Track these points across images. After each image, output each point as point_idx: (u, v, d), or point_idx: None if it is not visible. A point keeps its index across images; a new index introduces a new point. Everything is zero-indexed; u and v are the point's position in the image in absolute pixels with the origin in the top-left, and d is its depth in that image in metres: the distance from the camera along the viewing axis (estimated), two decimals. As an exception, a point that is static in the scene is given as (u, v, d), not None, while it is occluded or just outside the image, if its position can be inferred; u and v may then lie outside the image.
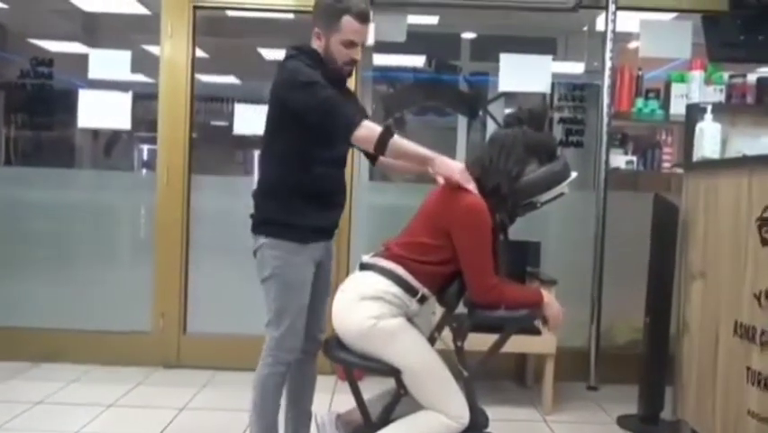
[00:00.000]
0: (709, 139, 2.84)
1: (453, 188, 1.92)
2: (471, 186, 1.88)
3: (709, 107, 2.88)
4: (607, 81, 3.47)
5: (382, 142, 1.93)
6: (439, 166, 1.92)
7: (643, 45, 3.59)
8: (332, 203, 2.25)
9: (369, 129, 1.95)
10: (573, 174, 1.96)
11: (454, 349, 2.00)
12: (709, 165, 2.81)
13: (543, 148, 1.97)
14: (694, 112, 2.97)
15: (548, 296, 1.99)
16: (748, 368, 2.43)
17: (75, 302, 3.77)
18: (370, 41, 3.40)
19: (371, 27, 2.14)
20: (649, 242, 3.03)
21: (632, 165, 3.51)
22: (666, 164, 3.54)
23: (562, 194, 1.96)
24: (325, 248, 2.30)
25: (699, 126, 2.89)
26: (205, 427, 2.94)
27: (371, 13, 2.10)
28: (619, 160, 3.51)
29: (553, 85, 3.70)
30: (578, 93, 3.65)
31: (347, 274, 3.59)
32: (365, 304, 1.88)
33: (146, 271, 3.71)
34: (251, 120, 3.68)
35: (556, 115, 3.69)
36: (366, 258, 2.04)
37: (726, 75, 3.44)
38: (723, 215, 2.65)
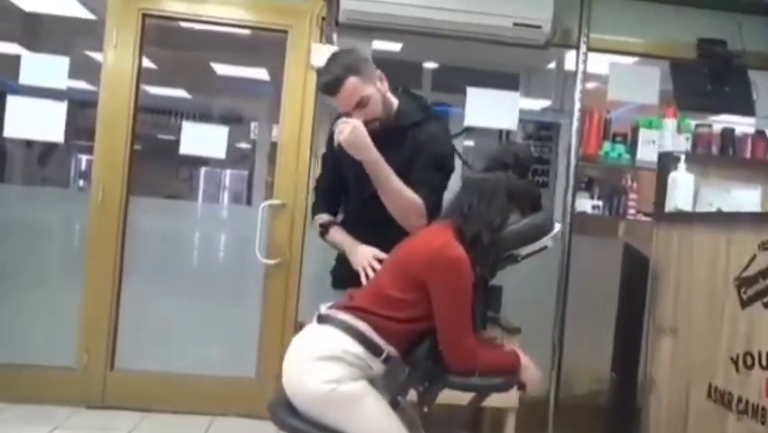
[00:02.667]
0: (683, 189, 2.74)
1: (433, 237, 1.73)
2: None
3: (683, 157, 2.79)
4: (575, 123, 3.37)
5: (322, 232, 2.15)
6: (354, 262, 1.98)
7: (611, 88, 3.51)
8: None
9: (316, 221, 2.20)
10: (558, 227, 1.81)
11: (419, 414, 1.79)
12: (683, 217, 2.71)
13: (527, 197, 1.80)
14: (667, 160, 2.87)
15: (525, 359, 1.81)
16: (723, 436, 2.31)
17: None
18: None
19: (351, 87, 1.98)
20: (612, 287, 2.93)
21: (598, 210, 3.41)
22: (631, 210, 3.45)
23: (545, 247, 1.79)
24: None
25: (671, 176, 2.79)
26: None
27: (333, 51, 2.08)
28: (585, 204, 3.41)
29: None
30: (544, 132, 3.55)
31: (296, 312, 3.38)
32: (322, 365, 1.65)
33: (74, 299, 3.35)
34: (199, 139, 3.39)
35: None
36: (324, 309, 1.82)
37: (692, 123, 3.39)
38: (697, 270, 2.54)
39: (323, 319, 1.75)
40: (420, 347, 1.73)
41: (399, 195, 1.93)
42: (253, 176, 7.26)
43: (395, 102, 2.06)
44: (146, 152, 5.78)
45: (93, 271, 3.33)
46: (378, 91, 1.98)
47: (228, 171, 9.02)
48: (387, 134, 2.00)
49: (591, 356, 3.37)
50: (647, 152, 3.40)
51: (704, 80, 3.49)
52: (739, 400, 2.25)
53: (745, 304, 2.26)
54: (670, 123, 3.07)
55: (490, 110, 3.44)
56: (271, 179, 3.54)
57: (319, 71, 2.03)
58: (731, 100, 3.49)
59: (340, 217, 2.20)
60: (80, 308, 3.32)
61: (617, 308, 2.89)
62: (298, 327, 3.33)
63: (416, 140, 2.00)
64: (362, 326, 1.68)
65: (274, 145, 3.80)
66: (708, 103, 3.51)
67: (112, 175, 3.33)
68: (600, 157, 3.44)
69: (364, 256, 1.92)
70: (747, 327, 2.24)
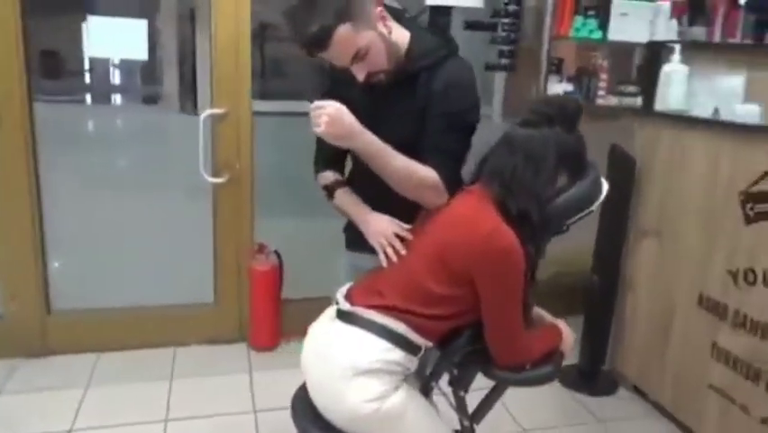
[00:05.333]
0: (677, 86, 2.56)
1: (474, 218, 1.46)
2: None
3: (678, 48, 2.56)
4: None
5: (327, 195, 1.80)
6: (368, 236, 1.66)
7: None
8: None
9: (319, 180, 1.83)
10: (606, 186, 1.57)
11: (455, 400, 1.65)
12: (678, 118, 2.55)
13: (576, 157, 1.53)
14: (658, 51, 2.65)
15: (563, 328, 1.67)
16: (714, 344, 2.37)
17: None
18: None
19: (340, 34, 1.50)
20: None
21: (570, 95, 3.17)
22: (601, 92, 3.24)
23: (590, 212, 1.57)
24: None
25: (665, 70, 2.58)
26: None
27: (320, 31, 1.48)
28: (557, 88, 3.15)
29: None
30: (513, 8, 3.14)
31: (252, 232, 3.04)
32: (361, 382, 1.42)
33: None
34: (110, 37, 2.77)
35: (489, 36, 3.18)
36: (344, 301, 1.55)
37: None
38: (692, 177, 2.44)
39: (349, 318, 1.50)
40: (458, 340, 1.54)
41: (407, 177, 1.58)
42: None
43: (405, 38, 1.64)
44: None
45: (4, 203, 2.79)
46: (379, 36, 1.54)
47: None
48: (396, 83, 1.61)
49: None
50: (620, 27, 3.15)
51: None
52: (736, 313, 2.27)
53: (750, 220, 2.20)
54: (665, 6, 2.77)
55: (454, -16, 2.99)
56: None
57: (297, 17, 1.49)
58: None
59: (348, 169, 1.82)
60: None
61: (601, 212, 2.80)
62: (255, 247, 3.05)
63: (429, 88, 1.61)
64: (402, 328, 1.45)
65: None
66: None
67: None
68: (571, 35, 3.15)
69: (380, 231, 1.62)
70: (751, 244, 2.21)
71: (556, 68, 3.21)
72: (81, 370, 2.85)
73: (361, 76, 1.58)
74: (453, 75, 1.62)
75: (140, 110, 4.19)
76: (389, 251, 1.58)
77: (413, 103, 1.62)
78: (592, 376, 2.91)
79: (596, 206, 1.55)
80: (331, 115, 1.47)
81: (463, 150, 1.65)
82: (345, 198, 1.73)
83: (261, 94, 3.65)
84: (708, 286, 2.38)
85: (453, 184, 1.60)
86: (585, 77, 3.25)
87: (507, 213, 1.46)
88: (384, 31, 1.57)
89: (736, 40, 3.14)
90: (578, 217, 1.55)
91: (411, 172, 1.57)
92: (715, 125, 2.38)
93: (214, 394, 2.70)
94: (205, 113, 2.84)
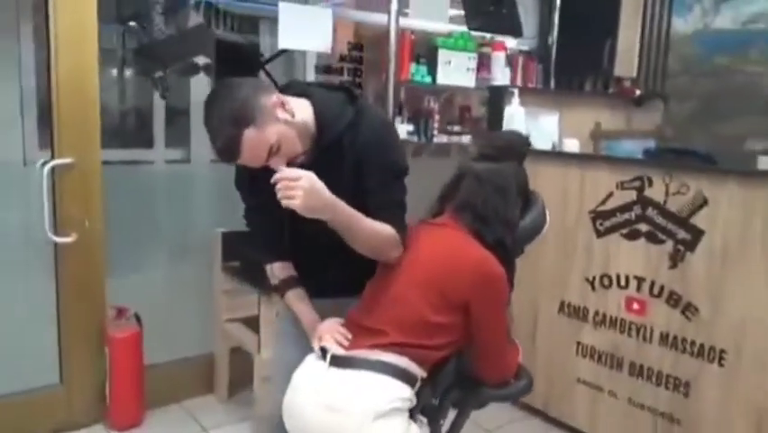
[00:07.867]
0: (518, 124, 2.94)
1: (459, 248, 1.54)
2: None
3: (517, 91, 2.96)
4: (394, 41, 3.20)
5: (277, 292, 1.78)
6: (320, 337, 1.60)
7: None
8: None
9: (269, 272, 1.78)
10: (548, 214, 1.78)
11: (432, 428, 1.68)
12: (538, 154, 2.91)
13: (527, 186, 1.71)
14: (501, 94, 3.01)
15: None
16: (578, 342, 2.74)
17: None
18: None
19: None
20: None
21: (414, 136, 3.42)
22: (435, 132, 3.55)
23: (541, 236, 1.76)
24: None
25: (508, 111, 2.96)
26: None
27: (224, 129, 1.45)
28: (401, 128, 3.37)
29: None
30: (356, 54, 3.32)
31: (104, 297, 2.67)
32: (381, 425, 1.40)
33: None
34: None
35: (337, 79, 3.30)
36: (333, 346, 1.50)
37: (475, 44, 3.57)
38: (545, 202, 2.81)
39: (350, 363, 1.46)
40: (447, 366, 1.59)
41: (374, 238, 1.56)
42: None
43: (309, 110, 1.57)
44: None
45: None
46: (285, 124, 1.48)
47: None
48: (320, 156, 1.56)
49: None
50: (446, 73, 3.50)
51: (488, 2, 3.65)
52: (596, 313, 2.67)
53: (601, 234, 2.63)
54: (501, 56, 3.17)
55: (304, 29, 3.05)
56: None
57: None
58: (508, 21, 3.75)
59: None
60: None
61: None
62: (113, 312, 2.70)
63: (354, 147, 1.57)
64: (405, 362, 1.46)
65: None
66: (493, 23, 3.70)
67: None
68: (409, 80, 3.42)
69: (330, 331, 1.58)
70: (603, 254, 2.63)
71: (399, 110, 3.44)
72: None
73: (282, 167, 1.49)
74: (374, 125, 1.60)
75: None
76: (340, 338, 1.55)
77: (344, 168, 1.58)
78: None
79: (545, 230, 1.74)
80: (306, 189, 1.39)
81: (405, 195, 1.65)
82: (296, 302, 1.71)
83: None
84: (569, 294, 2.75)
85: (405, 230, 1.62)
86: (422, 118, 3.53)
87: (482, 241, 1.57)
88: (287, 117, 1.49)
89: (533, 85, 3.74)
90: (533, 242, 1.73)
91: (377, 233, 1.55)
92: (561, 156, 2.80)
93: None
94: (50, 164, 2.46)
